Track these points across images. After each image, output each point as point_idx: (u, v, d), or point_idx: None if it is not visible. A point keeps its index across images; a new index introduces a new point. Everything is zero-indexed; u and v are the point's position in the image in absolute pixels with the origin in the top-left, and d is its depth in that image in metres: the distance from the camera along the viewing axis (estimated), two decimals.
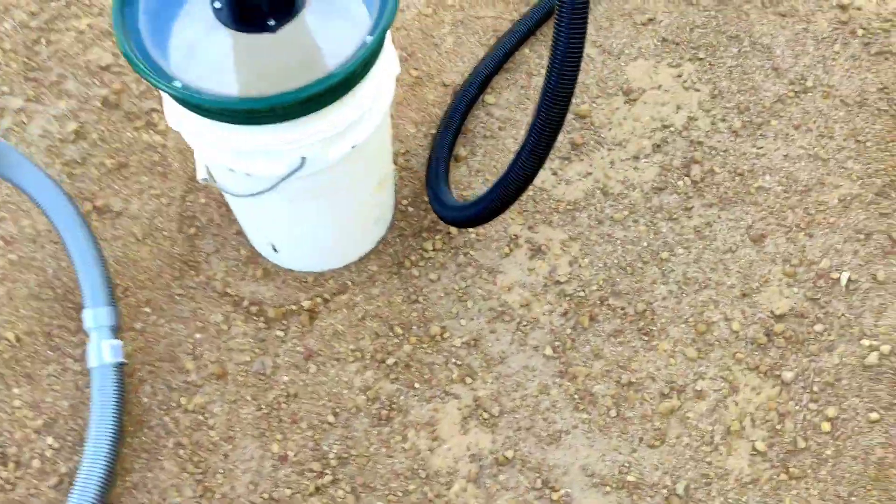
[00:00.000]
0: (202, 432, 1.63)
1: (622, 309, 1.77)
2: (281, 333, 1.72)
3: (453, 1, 2.17)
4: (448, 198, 1.70)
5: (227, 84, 1.25)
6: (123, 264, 1.79)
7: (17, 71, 2.00)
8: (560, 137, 1.68)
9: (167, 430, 1.62)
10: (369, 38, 1.24)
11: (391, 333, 1.73)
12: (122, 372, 1.60)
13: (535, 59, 2.09)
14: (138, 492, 1.58)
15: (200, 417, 1.64)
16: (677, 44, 2.11)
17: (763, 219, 1.87)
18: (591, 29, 2.13)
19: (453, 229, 1.85)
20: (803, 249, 1.83)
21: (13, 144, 1.92)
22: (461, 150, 1.95)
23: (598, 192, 1.91)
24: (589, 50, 2.10)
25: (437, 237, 1.84)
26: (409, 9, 2.15)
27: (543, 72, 1.94)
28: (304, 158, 1.36)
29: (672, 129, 1.98)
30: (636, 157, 1.95)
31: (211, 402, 1.65)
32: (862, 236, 1.85)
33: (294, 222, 1.64)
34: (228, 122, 1.27)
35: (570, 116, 1.98)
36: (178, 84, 1.19)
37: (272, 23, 1.26)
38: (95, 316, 1.60)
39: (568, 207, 1.89)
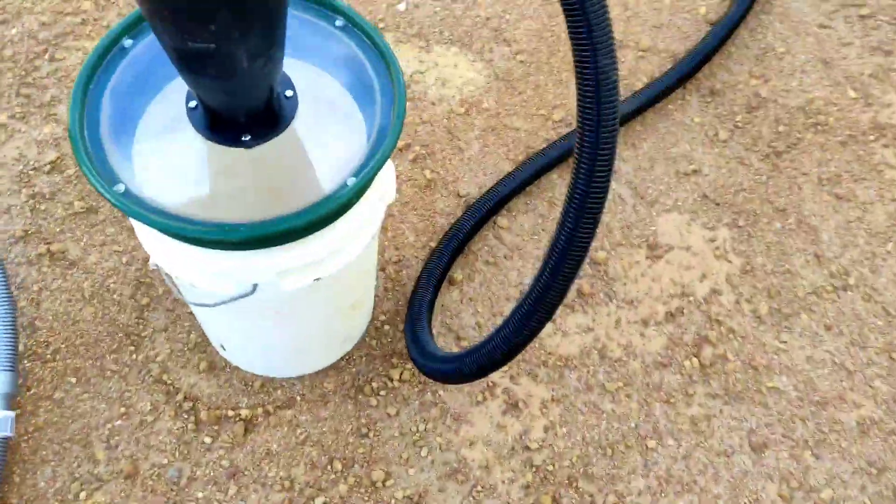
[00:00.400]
0: None
1: (590, 497, 1.56)
2: (208, 440, 1.53)
3: (490, 105, 2.01)
4: (428, 341, 1.51)
5: (187, 194, 1.09)
6: (62, 321, 1.62)
7: (11, 83, 1.86)
8: None
9: None
10: (351, 181, 1.07)
11: (329, 468, 1.53)
12: (5, 448, 1.42)
13: (562, 187, 1.91)
14: None
15: None
16: (718, 204, 1.92)
17: (769, 425, 1.66)
18: (627, 166, 1.96)
19: None
20: (806, 471, 1.62)
21: None
22: (458, 272, 1.77)
23: (595, 352, 1.71)
24: (620, 189, 1.92)
25: (408, 366, 1.65)
26: (440, 103, 2.00)
27: None
28: (255, 285, 1.18)
29: (691, 298, 1.79)
30: (645, 322, 1.75)
31: (112, 503, 1.46)
32: (874, 471, 1.63)
33: (244, 333, 1.46)
34: (176, 239, 1.10)
35: None
36: (119, 189, 1.02)
37: (247, 139, 1.09)
38: None
39: (558, 363, 1.69)
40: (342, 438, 1.56)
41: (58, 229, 1.72)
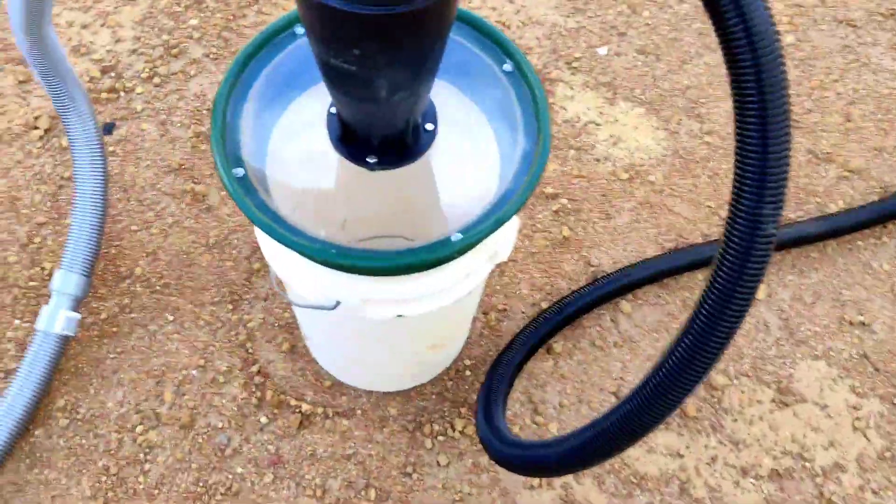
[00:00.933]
0: (134, 470, 1.50)
1: None
2: (264, 420, 1.54)
3: (656, 179, 1.87)
4: (501, 421, 1.42)
5: (303, 193, 1.09)
6: (180, 259, 1.70)
7: (217, 23, 1.96)
8: None
9: (104, 448, 1.51)
10: (457, 237, 1.01)
11: (363, 493, 1.50)
12: (64, 345, 1.51)
13: (696, 290, 1.74)
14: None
15: (142, 455, 1.51)
16: (878, 370, 1.68)
17: None
18: (785, 292, 1.75)
19: None
20: None
21: (169, 94, 1.89)
22: (560, 343, 1.67)
23: (676, 482, 1.55)
24: (768, 315, 1.72)
25: (474, 420, 1.57)
26: (605, 162, 1.88)
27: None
28: (338, 303, 1.16)
29: (808, 464, 1.58)
30: (745, 471, 1.57)
31: (160, 445, 1.51)
32: None
33: (326, 334, 1.45)
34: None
35: None
36: (238, 174, 1.03)
37: (372, 161, 1.06)
38: (65, 280, 1.51)
39: (631, 478, 1.55)
40: (386, 469, 1.52)
41: (208, 173, 1.79)
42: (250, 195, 1.04)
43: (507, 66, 1.14)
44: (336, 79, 0.91)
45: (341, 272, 1.09)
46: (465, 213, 1.21)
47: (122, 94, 1.88)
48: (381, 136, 1.05)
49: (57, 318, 1.50)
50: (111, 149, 1.81)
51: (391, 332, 1.32)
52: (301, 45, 1.17)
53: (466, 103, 1.20)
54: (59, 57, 1.43)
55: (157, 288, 1.67)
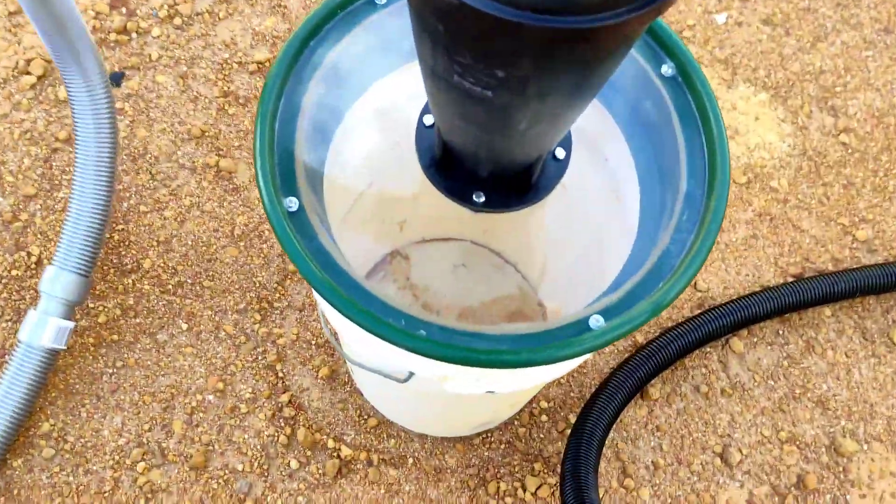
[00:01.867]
0: None
1: None
2: (294, 465, 1.26)
3: (780, 186, 1.53)
4: (594, 496, 1.13)
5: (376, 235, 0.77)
6: (199, 252, 1.38)
7: None
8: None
9: (96, 489, 1.23)
10: (597, 321, 0.70)
11: None
12: (52, 359, 1.22)
13: (833, 329, 1.43)
14: None
15: (142, 501, 1.23)
16: None
17: None
18: None
19: None
20: None
21: (193, 39, 1.54)
22: (656, 387, 1.36)
23: None
24: None
25: (550, 479, 1.29)
26: None
27: (823, 370, 1.31)
28: (411, 374, 0.86)
29: None
30: None
31: (166, 489, 1.23)
32: None
33: (381, 383, 1.15)
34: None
35: None
36: (292, 207, 0.72)
37: (480, 200, 0.74)
38: (57, 280, 1.21)
39: None
40: None
41: (236, 143, 1.46)
42: (307, 239, 0.73)
43: (667, 70, 0.81)
44: (453, 102, 0.59)
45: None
46: (583, 264, 0.90)
47: (134, 36, 1.53)
48: (496, 170, 0.72)
49: (45, 329, 1.20)
50: (118, 105, 1.47)
51: (468, 400, 1.02)
52: (384, 20, 0.84)
53: (598, 114, 0.87)
54: None
55: (170, 287, 1.36)
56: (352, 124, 0.92)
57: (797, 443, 1.35)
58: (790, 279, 1.46)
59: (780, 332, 1.43)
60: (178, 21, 1.55)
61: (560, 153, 0.76)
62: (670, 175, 0.80)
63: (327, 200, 0.92)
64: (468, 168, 0.73)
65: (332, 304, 0.69)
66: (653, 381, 1.36)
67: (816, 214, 1.52)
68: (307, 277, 0.70)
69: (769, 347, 1.41)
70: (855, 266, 1.46)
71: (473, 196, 0.74)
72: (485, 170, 0.71)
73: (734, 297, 1.40)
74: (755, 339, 1.42)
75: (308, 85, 0.81)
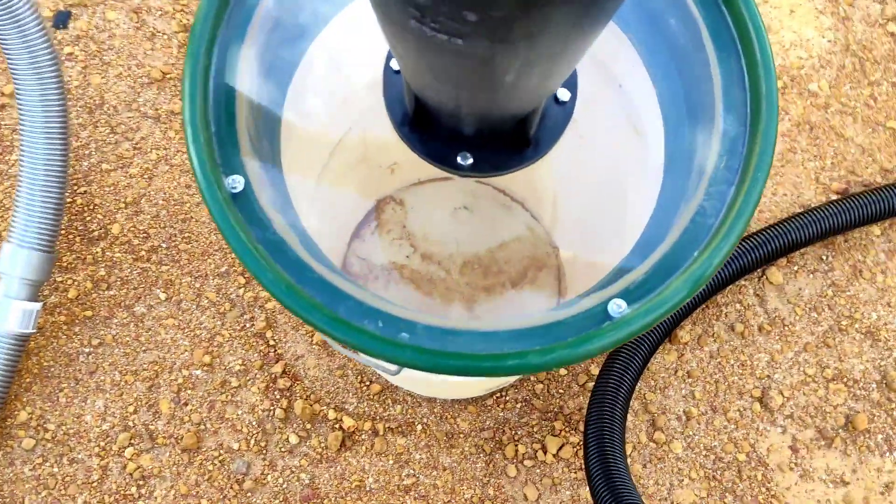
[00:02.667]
0: (127, 496, 1.14)
1: None
2: (294, 440, 1.16)
3: (821, 88, 1.34)
4: (622, 464, 1.02)
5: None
6: (171, 211, 1.25)
7: None
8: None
9: (83, 479, 1.14)
10: (618, 306, 0.57)
11: None
12: (22, 344, 1.12)
13: (883, 249, 1.28)
14: None
15: (133, 488, 1.14)
16: None
17: None
18: None
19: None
20: None
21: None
22: (686, 329, 1.23)
23: None
24: None
25: (573, 438, 1.18)
26: None
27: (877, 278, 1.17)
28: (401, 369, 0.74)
29: None
30: None
31: (158, 474, 1.14)
32: None
33: None
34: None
35: None
36: (237, 186, 0.57)
37: (466, 162, 0.59)
38: (15, 259, 1.09)
39: None
40: None
41: None
42: (257, 228, 0.58)
43: None
44: (416, 54, 0.43)
45: None
46: (599, 207, 0.77)
47: None
48: (484, 127, 0.57)
49: (9, 314, 1.09)
50: (67, 50, 1.31)
51: None
52: None
53: (608, 31, 0.70)
54: None
55: (143, 253, 1.23)
56: (311, 69, 0.76)
57: (844, 380, 1.23)
58: (834, 196, 1.30)
59: (824, 257, 1.28)
60: None
61: (563, 94, 0.60)
62: (702, 110, 0.64)
63: (294, 159, 0.77)
64: (449, 125, 0.57)
65: (291, 311, 0.56)
66: (682, 323, 1.23)
67: (862, 119, 1.34)
68: (259, 279, 0.56)
69: (811, 276, 1.27)
70: None
71: (458, 158, 0.59)
72: (469, 127, 0.56)
73: (771, 223, 1.25)
74: (795, 268, 1.27)
75: (246, 31, 0.65)
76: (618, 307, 0.57)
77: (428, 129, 0.58)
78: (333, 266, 0.63)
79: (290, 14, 0.69)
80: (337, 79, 0.82)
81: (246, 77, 0.65)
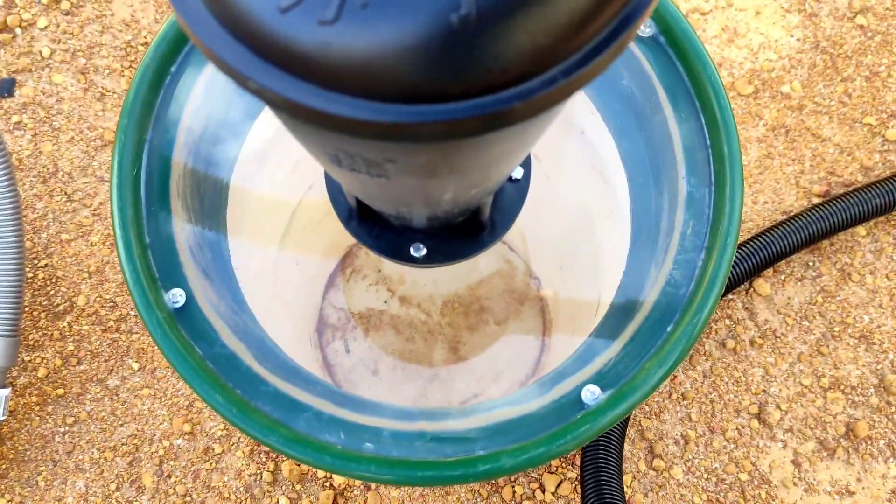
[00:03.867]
0: None
1: None
2: (284, 502, 1.13)
3: (793, 90, 1.31)
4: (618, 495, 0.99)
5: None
6: None
7: None
8: None
9: None
10: (591, 393, 0.54)
11: None
12: None
13: (870, 250, 1.25)
14: None
15: None
16: None
17: None
18: None
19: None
20: None
21: (87, 24, 1.30)
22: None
23: None
24: None
25: (570, 473, 1.15)
26: (719, 70, 1.32)
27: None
28: None
29: None
30: None
31: None
32: None
33: None
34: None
35: None
36: (176, 301, 0.53)
37: (420, 253, 0.56)
38: None
39: None
40: None
41: None
42: (204, 343, 0.55)
43: (644, 28, 0.60)
44: (347, 180, 0.40)
45: None
46: (572, 246, 0.73)
47: (18, 32, 1.30)
48: (434, 223, 0.53)
49: None
50: (15, 118, 1.26)
51: None
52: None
53: (584, 111, 0.67)
54: None
55: (111, 323, 1.19)
56: (260, 142, 0.72)
57: (842, 388, 1.20)
58: (816, 199, 1.27)
59: (811, 263, 1.25)
60: (65, 5, 1.31)
61: (517, 172, 0.56)
62: (665, 171, 0.60)
63: (250, 231, 0.74)
64: (397, 222, 0.54)
65: (246, 434, 0.52)
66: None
67: (838, 117, 1.31)
68: (209, 403, 0.53)
69: (799, 283, 1.24)
70: (889, 173, 1.27)
71: (412, 250, 0.55)
72: (418, 224, 0.52)
73: (754, 234, 1.22)
74: (783, 277, 1.24)
75: (177, 130, 0.61)
76: (591, 394, 0.54)
77: (376, 222, 0.55)
78: (294, 367, 0.60)
79: (220, 103, 0.66)
80: (286, 145, 0.78)
81: (182, 164, 0.61)
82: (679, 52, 0.58)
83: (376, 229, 0.56)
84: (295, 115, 0.27)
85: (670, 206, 0.59)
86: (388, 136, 0.27)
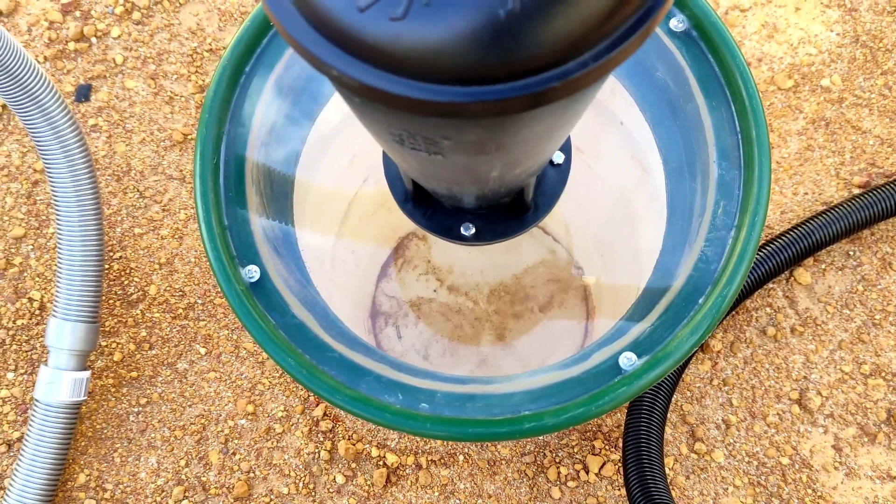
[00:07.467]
0: None
1: None
2: (340, 480, 1.19)
3: (833, 83, 1.33)
4: (661, 480, 1.03)
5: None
6: (205, 267, 1.29)
7: None
8: None
9: None
10: (630, 360, 0.59)
11: None
12: (75, 412, 1.17)
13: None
14: None
15: None
16: None
17: None
18: None
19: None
20: None
21: (156, 33, 1.40)
22: (717, 337, 1.24)
23: None
24: None
25: (613, 455, 1.19)
26: (758, 65, 1.35)
27: None
28: None
29: None
30: None
31: None
32: None
33: None
34: None
35: None
36: (253, 276, 0.60)
37: (469, 232, 0.61)
38: (61, 333, 1.14)
39: None
40: None
41: None
42: (276, 314, 0.61)
43: (678, 24, 0.65)
44: (405, 159, 0.46)
45: None
46: (613, 232, 0.78)
47: (94, 41, 1.40)
48: (482, 202, 0.59)
49: (60, 385, 1.14)
50: (92, 121, 1.36)
51: None
52: None
53: (608, 81, 0.72)
54: None
55: (180, 311, 1.28)
56: (321, 137, 0.79)
57: (883, 374, 1.22)
58: (856, 190, 1.29)
59: (851, 252, 1.27)
60: (136, 15, 1.41)
61: (558, 157, 0.62)
62: (698, 156, 0.65)
63: (311, 222, 0.81)
64: (448, 202, 0.60)
65: (315, 393, 0.59)
66: (713, 332, 1.23)
67: (878, 110, 1.32)
68: (282, 366, 0.59)
69: (840, 272, 1.26)
70: None
71: (462, 229, 0.61)
72: (468, 203, 0.58)
73: (794, 223, 1.25)
74: (823, 266, 1.27)
75: (251, 124, 0.68)
76: (628, 360, 0.59)
77: (430, 204, 0.61)
78: (354, 337, 0.66)
79: (294, 93, 0.72)
80: (342, 145, 0.85)
81: (255, 154, 0.68)
82: (710, 45, 0.63)
83: (430, 211, 0.61)
84: (368, 97, 0.33)
85: (703, 189, 0.64)
86: (445, 113, 0.33)
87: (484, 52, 0.29)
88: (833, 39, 1.35)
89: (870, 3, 1.37)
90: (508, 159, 0.42)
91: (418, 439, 1.21)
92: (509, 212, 0.60)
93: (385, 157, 0.62)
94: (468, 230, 0.60)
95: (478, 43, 0.29)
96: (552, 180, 0.61)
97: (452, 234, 0.60)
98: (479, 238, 0.60)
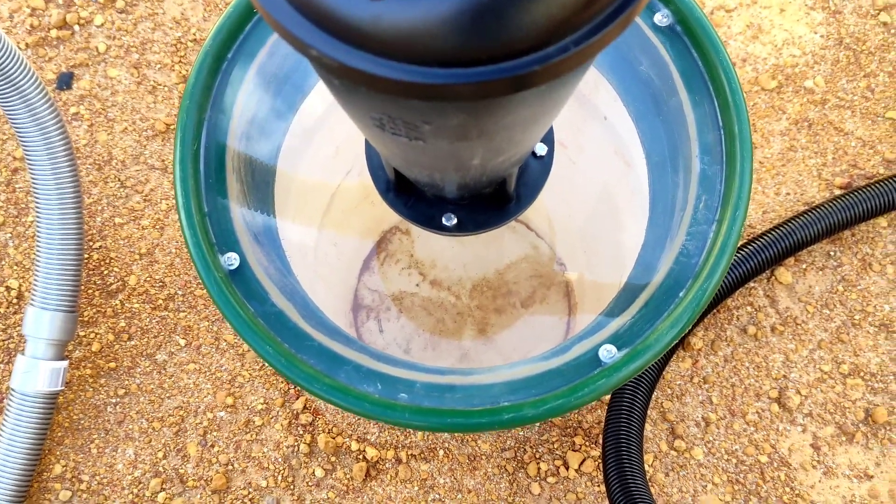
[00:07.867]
0: None
1: None
2: (320, 473, 1.19)
3: (816, 85, 1.34)
4: (640, 477, 1.04)
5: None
6: (186, 258, 1.28)
7: None
8: None
9: None
10: (608, 351, 0.59)
11: None
12: (52, 402, 1.15)
13: (892, 241, 1.28)
14: None
15: None
16: None
17: None
18: None
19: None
20: None
21: (140, 22, 1.38)
22: (698, 335, 1.25)
23: None
24: None
25: (593, 452, 1.20)
26: (742, 65, 1.35)
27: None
28: None
29: None
30: None
31: None
32: None
33: None
34: None
35: None
36: (231, 263, 0.60)
37: (451, 223, 0.61)
38: (39, 323, 1.13)
39: None
40: None
41: None
42: (255, 302, 0.61)
43: (662, 18, 0.65)
44: (385, 145, 0.46)
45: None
46: (597, 227, 0.78)
47: (76, 28, 1.39)
48: (464, 192, 0.59)
49: (37, 374, 1.13)
50: (73, 110, 1.34)
51: None
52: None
53: (592, 76, 0.72)
54: None
55: (160, 302, 1.27)
56: (304, 128, 0.78)
57: (861, 374, 1.23)
58: (837, 191, 1.30)
59: (832, 253, 1.28)
60: (120, 3, 1.39)
61: (541, 149, 0.62)
62: (681, 150, 0.65)
63: (293, 213, 0.80)
64: (430, 192, 0.59)
65: (292, 382, 0.58)
66: (694, 329, 1.24)
67: (861, 112, 1.33)
68: (260, 354, 0.59)
69: (820, 272, 1.27)
70: None
71: (443, 219, 0.61)
72: (450, 193, 0.58)
73: (776, 223, 1.25)
74: (804, 266, 1.27)
75: (232, 112, 0.67)
76: (608, 352, 0.59)
77: (412, 194, 0.61)
78: (334, 327, 0.66)
79: (275, 81, 0.72)
80: (325, 135, 0.84)
81: (236, 142, 0.68)
82: (694, 40, 0.63)
83: (412, 200, 0.61)
84: (349, 79, 0.33)
85: (685, 183, 0.64)
86: (426, 95, 0.32)
87: (465, 34, 0.29)
88: (817, 41, 1.36)
89: (854, 5, 1.38)
90: (490, 146, 0.42)
91: (398, 433, 1.21)
92: (491, 202, 0.60)
93: (368, 146, 0.61)
94: (450, 220, 0.60)
95: (459, 24, 0.29)
96: (535, 172, 0.61)
97: (434, 224, 0.60)
98: (461, 228, 0.60)
